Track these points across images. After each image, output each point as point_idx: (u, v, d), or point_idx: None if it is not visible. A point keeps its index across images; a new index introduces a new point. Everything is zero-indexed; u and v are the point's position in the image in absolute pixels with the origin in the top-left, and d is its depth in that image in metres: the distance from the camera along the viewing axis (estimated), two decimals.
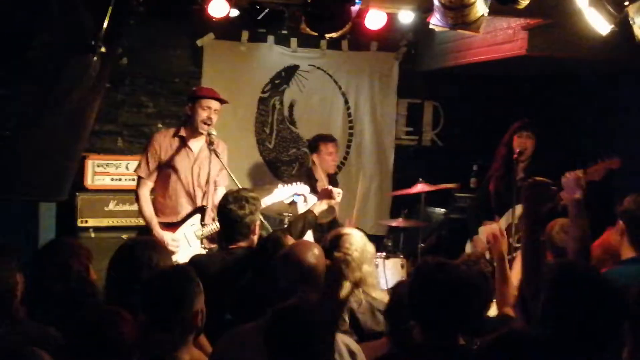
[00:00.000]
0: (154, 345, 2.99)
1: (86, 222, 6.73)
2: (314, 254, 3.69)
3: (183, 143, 5.82)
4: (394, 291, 3.67)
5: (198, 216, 5.72)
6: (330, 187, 5.35)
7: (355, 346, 3.47)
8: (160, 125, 7.65)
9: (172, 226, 5.74)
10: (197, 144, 5.86)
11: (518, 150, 6.09)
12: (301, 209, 5.36)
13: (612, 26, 4.56)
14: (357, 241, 4.20)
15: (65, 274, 3.65)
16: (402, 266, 6.46)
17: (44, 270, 3.69)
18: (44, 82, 4.53)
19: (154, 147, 5.81)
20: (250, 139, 8.06)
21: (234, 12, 6.03)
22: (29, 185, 4.94)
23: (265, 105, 8.10)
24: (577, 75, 7.29)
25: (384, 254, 6.51)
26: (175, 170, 5.78)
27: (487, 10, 4.67)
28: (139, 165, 5.86)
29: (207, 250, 5.54)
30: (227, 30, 7.46)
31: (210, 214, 5.71)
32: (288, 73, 8.13)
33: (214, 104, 5.82)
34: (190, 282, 3.12)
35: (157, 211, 5.80)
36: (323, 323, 2.93)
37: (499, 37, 6.58)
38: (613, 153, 5.27)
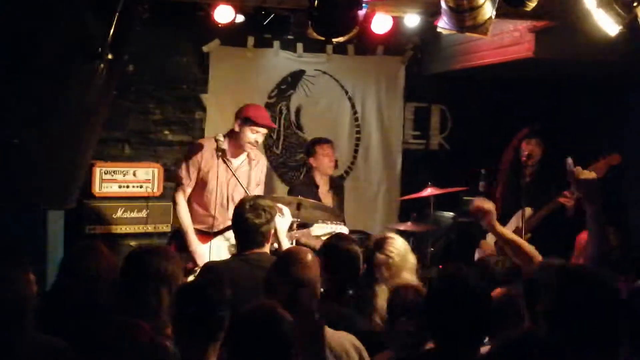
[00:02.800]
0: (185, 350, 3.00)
1: (94, 229, 6.73)
2: (308, 261, 3.69)
3: (223, 156, 5.71)
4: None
5: (231, 233, 5.66)
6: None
7: (359, 343, 3.49)
8: (167, 132, 7.66)
9: (207, 235, 5.72)
10: (237, 159, 5.87)
11: (526, 153, 6.08)
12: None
13: (621, 27, 4.54)
14: (400, 246, 4.20)
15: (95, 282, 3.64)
16: None
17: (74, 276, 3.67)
18: (51, 90, 4.53)
19: (196, 155, 5.79)
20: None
21: (240, 18, 6.04)
22: (37, 193, 4.94)
23: (272, 110, 8.08)
24: (585, 78, 7.26)
25: None
26: (212, 181, 5.74)
27: (495, 13, 4.65)
28: (179, 171, 5.85)
29: None
30: (232, 36, 7.46)
31: None
32: (294, 78, 8.12)
33: (265, 130, 5.84)
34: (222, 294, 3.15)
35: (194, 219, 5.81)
36: (284, 329, 2.88)
37: (506, 40, 6.56)
38: (613, 150, 5.27)
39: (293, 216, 5.70)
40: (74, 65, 4.61)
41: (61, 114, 4.67)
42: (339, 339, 3.47)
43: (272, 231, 4.60)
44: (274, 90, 8.07)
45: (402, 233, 7.16)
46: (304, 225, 5.98)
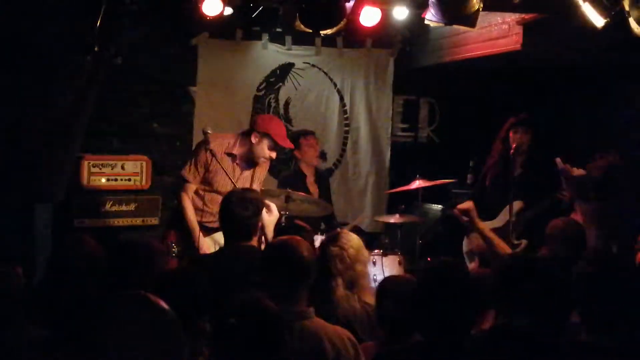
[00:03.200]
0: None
1: (83, 222, 6.70)
2: (305, 249, 3.69)
3: (232, 160, 5.73)
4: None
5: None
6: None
7: (353, 338, 3.51)
8: (155, 125, 7.64)
9: (213, 231, 5.68)
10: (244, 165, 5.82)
11: (514, 145, 6.08)
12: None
13: (607, 20, 4.56)
14: (353, 240, 4.24)
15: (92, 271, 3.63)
16: (400, 263, 6.43)
17: (67, 266, 3.66)
18: (38, 83, 4.52)
19: (205, 154, 5.65)
20: None
21: (228, 10, 6.01)
22: (25, 187, 4.93)
23: (261, 103, 8.08)
24: (573, 70, 7.28)
25: (381, 250, 6.48)
26: (217, 181, 5.71)
27: (482, 5, 4.67)
28: (186, 168, 5.73)
29: None
30: (221, 28, 7.44)
31: None
32: (283, 71, 8.12)
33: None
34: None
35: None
36: (272, 319, 2.88)
37: (494, 33, 6.57)
38: (610, 148, 5.28)
39: (282, 209, 5.71)
40: (62, 58, 4.60)
41: (48, 107, 4.67)
42: (336, 332, 3.48)
43: (260, 224, 4.61)
44: (263, 83, 8.07)
45: (390, 225, 7.21)
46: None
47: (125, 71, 7.30)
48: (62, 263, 3.78)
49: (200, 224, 5.64)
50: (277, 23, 7.02)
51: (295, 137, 7.15)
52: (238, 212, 4.42)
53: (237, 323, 2.79)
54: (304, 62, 8.16)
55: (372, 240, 7.05)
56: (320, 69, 8.23)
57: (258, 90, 8.06)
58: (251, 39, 7.87)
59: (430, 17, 4.90)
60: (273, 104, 8.14)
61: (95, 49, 4.50)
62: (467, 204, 4.66)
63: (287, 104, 8.18)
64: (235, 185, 5.52)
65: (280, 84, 8.13)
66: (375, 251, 6.34)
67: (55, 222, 6.39)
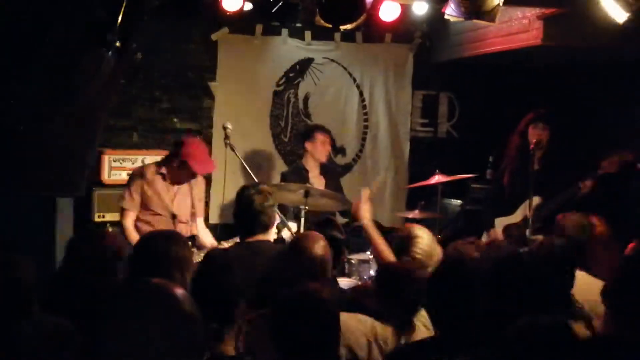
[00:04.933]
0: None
1: (103, 217, 6.76)
2: (321, 246, 3.70)
3: (162, 179, 5.85)
4: None
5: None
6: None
7: (380, 328, 3.52)
8: (175, 120, 7.68)
9: None
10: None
11: (534, 141, 6.05)
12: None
13: (629, 14, 4.53)
14: (425, 245, 4.24)
15: (102, 264, 3.65)
16: None
17: (80, 259, 3.68)
18: (58, 78, 4.55)
19: (137, 181, 5.84)
20: (265, 133, 8.06)
21: (248, 6, 6.03)
22: (46, 181, 4.96)
23: (280, 98, 8.10)
24: (593, 65, 7.24)
25: None
26: (157, 204, 5.82)
27: (503, 0, 4.65)
28: (122, 198, 5.87)
29: None
30: (241, 24, 7.46)
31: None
32: (302, 66, 8.12)
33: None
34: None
35: None
36: (329, 311, 2.92)
37: (514, 27, 6.55)
38: (627, 145, 5.27)
39: (301, 204, 5.74)
40: (83, 53, 4.62)
41: (69, 102, 4.69)
42: (356, 324, 3.50)
43: (276, 216, 4.64)
44: (282, 78, 8.08)
45: (410, 220, 7.20)
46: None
47: (146, 66, 7.35)
48: (76, 256, 3.80)
49: None
50: (296, 18, 6.99)
51: (312, 129, 7.18)
52: (258, 202, 4.44)
53: (296, 314, 2.83)
54: (323, 57, 8.16)
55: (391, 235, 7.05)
56: (339, 64, 8.22)
57: (277, 85, 8.07)
58: (271, 34, 7.88)
59: (451, 12, 4.89)
60: (292, 99, 8.15)
61: (117, 44, 4.52)
62: (365, 205, 4.72)
63: (306, 99, 8.19)
64: (171, 204, 5.76)
65: (300, 79, 8.14)
66: None
67: (76, 216, 6.44)
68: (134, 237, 5.73)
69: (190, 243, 5.58)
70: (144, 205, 5.84)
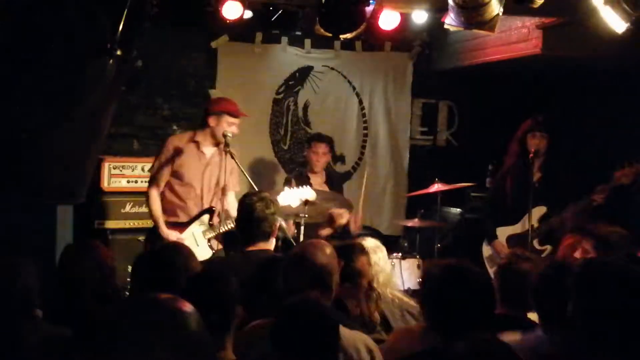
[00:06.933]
0: None
1: (103, 224, 6.77)
2: (326, 254, 3.69)
3: (197, 148, 5.94)
4: None
5: (206, 217, 5.89)
6: (333, 211, 5.42)
7: (372, 344, 3.47)
8: (175, 128, 7.69)
9: (181, 226, 5.88)
10: (210, 149, 5.99)
11: (533, 150, 6.06)
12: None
13: (628, 24, 4.54)
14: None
15: (99, 274, 3.66)
16: (419, 266, 6.43)
17: (76, 269, 3.69)
18: (60, 86, 4.55)
19: (168, 149, 5.94)
20: (265, 141, 8.08)
21: (248, 14, 6.06)
22: (46, 188, 4.96)
23: (280, 106, 8.11)
24: (592, 74, 7.25)
25: (400, 254, 6.49)
26: (187, 173, 5.90)
27: (502, 10, 4.66)
28: (152, 166, 6.01)
29: (214, 251, 5.80)
30: (241, 31, 7.48)
31: (217, 217, 5.87)
32: (302, 74, 8.14)
33: (237, 121, 5.94)
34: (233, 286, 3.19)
35: (168, 211, 5.93)
36: (329, 320, 2.93)
37: (514, 37, 6.57)
38: (634, 156, 5.27)
39: (300, 211, 5.74)
40: (83, 61, 4.63)
41: (70, 110, 4.70)
42: (351, 336, 3.49)
43: (278, 224, 4.63)
44: (282, 86, 8.09)
45: (409, 229, 7.21)
46: None
47: (146, 74, 7.36)
48: (68, 272, 3.81)
49: (176, 223, 5.88)
50: (296, 26, 7.02)
51: (311, 137, 7.20)
52: (261, 209, 4.44)
53: (296, 324, 2.85)
54: (323, 65, 8.18)
55: (391, 244, 7.05)
56: (339, 72, 8.24)
57: (277, 93, 8.09)
58: (270, 42, 7.90)
59: (450, 21, 4.89)
60: (292, 107, 8.17)
61: (118, 52, 4.53)
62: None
63: (306, 107, 8.20)
64: (204, 173, 5.85)
65: (300, 87, 8.15)
66: (394, 254, 6.34)
67: (75, 223, 6.45)
68: (156, 207, 5.89)
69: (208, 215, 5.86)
70: (175, 174, 5.92)
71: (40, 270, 3.44)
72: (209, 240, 5.84)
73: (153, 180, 5.97)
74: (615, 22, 4.57)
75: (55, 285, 3.93)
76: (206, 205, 5.95)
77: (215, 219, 5.88)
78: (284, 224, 5.20)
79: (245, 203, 4.56)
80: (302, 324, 2.85)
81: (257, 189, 5.42)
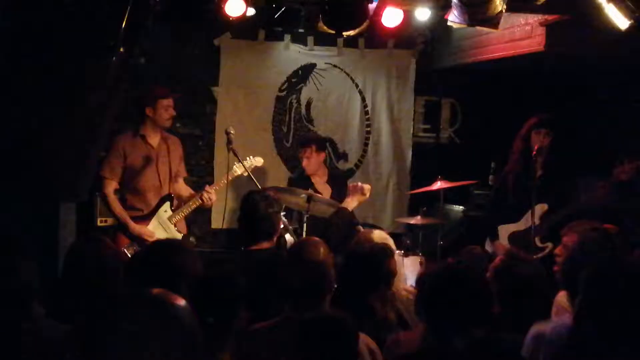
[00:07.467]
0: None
1: (105, 221, 6.75)
2: (321, 251, 3.69)
3: (144, 141, 6.09)
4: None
5: (167, 203, 6.10)
6: (359, 183, 5.43)
7: (373, 345, 3.49)
8: (178, 125, 7.67)
9: (145, 219, 6.06)
10: (155, 140, 6.16)
11: (537, 147, 6.04)
12: None
13: (632, 22, 4.54)
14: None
15: (107, 271, 3.65)
16: (421, 264, 6.42)
17: (81, 265, 3.68)
18: (63, 84, 4.56)
19: (117, 149, 6.04)
20: (268, 138, 8.08)
21: (251, 11, 6.04)
22: (50, 186, 4.98)
23: (283, 103, 8.11)
24: (595, 71, 7.24)
25: (403, 251, 6.48)
26: (140, 167, 6.04)
27: (505, 7, 4.66)
28: (102, 167, 6.05)
29: (182, 234, 6.08)
30: (243, 29, 7.48)
31: (175, 201, 6.16)
32: (305, 71, 8.13)
33: (171, 101, 6.14)
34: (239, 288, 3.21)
35: (128, 208, 6.08)
36: (351, 334, 2.99)
37: (517, 34, 6.55)
38: (635, 152, 5.25)
39: (303, 209, 5.74)
40: (86, 59, 4.64)
41: (73, 108, 4.71)
42: None
43: (281, 223, 4.62)
44: (285, 83, 8.09)
45: (412, 226, 7.20)
46: None
47: (149, 71, 7.36)
48: (75, 266, 3.80)
49: (139, 217, 6.05)
50: (299, 24, 7.02)
51: (302, 142, 7.15)
52: (264, 208, 4.43)
53: (316, 335, 2.92)
54: (325, 63, 8.17)
55: (393, 241, 7.05)
56: (342, 69, 8.23)
57: (280, 90, 8.08)
58: (273, 39, 7.89)
59: (453, 18, 4.89)
60: (295, 105, 8.16)
61: (120, 50, 4.54)
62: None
63: (308, 104, 8.19)
64: (157, 163, 6.05)
65: (302, 84, 8.15)
66: (397, 252, 6.32)
67: (78, 221, 6.44)
68: (117, 206, 6.02)
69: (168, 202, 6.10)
70: (129, 170, 6.05)
71: (42, 267, 3.43)
72: (175, 224, 6.06)
73: (107, 181, 6.04)
74: (619, 19, 4.57)
75: (60, 283, 3.93)
76: (165, 192, 6.14)
77: (175, 203, 6.14)
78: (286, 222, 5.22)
79: (248, 201, 4.54)
80: (325, 344, 2.92)
81: (259, 187, 5.42)
